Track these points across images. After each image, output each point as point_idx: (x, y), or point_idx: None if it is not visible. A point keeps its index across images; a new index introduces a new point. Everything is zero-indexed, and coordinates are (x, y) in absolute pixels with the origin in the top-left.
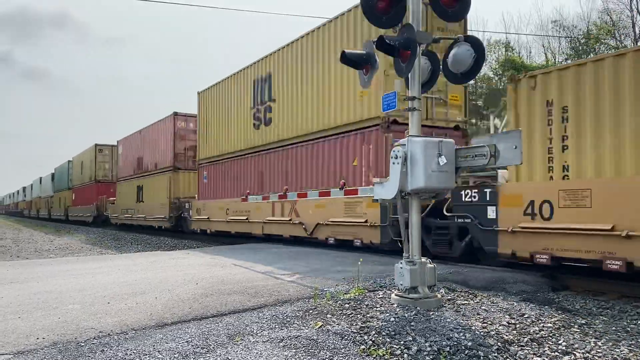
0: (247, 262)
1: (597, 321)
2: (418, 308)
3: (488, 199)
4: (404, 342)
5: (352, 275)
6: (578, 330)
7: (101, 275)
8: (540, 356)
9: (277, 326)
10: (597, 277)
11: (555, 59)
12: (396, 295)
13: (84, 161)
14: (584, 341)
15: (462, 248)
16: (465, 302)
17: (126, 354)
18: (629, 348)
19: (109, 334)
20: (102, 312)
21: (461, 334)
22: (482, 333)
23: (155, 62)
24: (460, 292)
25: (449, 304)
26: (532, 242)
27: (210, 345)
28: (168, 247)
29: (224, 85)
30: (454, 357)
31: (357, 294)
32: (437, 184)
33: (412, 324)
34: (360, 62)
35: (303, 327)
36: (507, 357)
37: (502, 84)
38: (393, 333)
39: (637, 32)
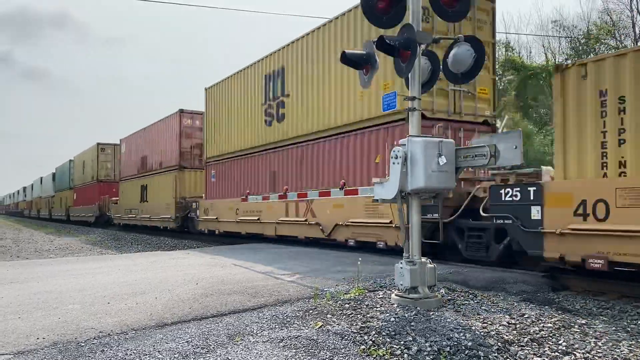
0: (247, 262)
1: (597, 321)
2: (418, 308)
3: (532, 198)
4: (404, 342)
5: (352, 275)
6: (578, 331)
7: (101, 275)
8: (540, 356)
9: (277, 326)
10: (598, 277)
11: (555, 59)
12: (396, 295)
13: (85, 160)
14: (584, 341)
15: (500, 251)
16: (466, 302)
17: (126, 354)
18: (629, 348)
19: (109, 334)
20: (102, 312)
21: (461, 334)
22: (482, 333)
23: (155, 62)
24: (461, 292)
25: (449, 304)
26: (585, 245)
27: (210, 345)
28: (168, 247)
29: (233, 80)
30: (454, 357)
31: (357, 294)
32: (437, 184)
33: (412, 324)
34: (360, 62)
35: (303, 327)
36: (507, 357)
37: (502, 84)
38: (393, 333)
39: (637, 32)
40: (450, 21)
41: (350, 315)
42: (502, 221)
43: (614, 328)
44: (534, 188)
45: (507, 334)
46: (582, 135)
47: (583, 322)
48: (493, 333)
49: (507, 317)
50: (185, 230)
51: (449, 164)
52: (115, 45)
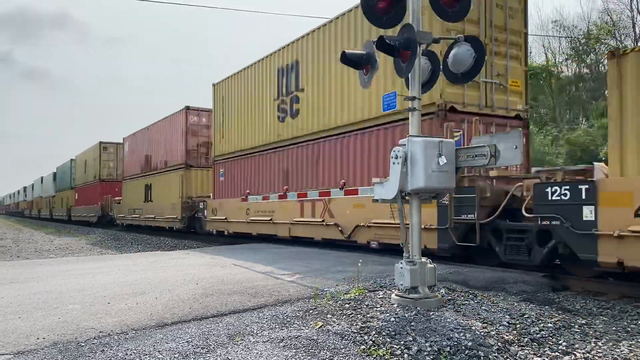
0: (247, 262)
1: (597, 321)
2: (418, 308)
3: (584, 197)
4: (404, 342)
5: (352, 275)
6: (578, 331)
7: (101, 275)
8: (540, 356)
9: (277, 326)
10: (597, 278)
11: (555, 59)
12: (396, 295)
13: (87, 160)
14: (584, 341)
15: (543, 255)
16: (466, 302)
17: (126, 354)
18: (629, 348)
19: (109, 334)
20: (102, 312)
21: (461, 334)
22: (482, 333)
23: (155, 62)
24: (461, 292)
25: (449, 304)
26: None
27: (211, 345)
28: (168, 247)
29: (243, 75)
30: (454, 357)
31: (357, 294)
32: (437, 184)
33: (413, 324)
34: (360, 62)
35: (303, 327)
36: (507, 357)
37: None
38: (393, 333)
39: (638, 32)
40: (450, 21)
41: (351, 315)
42: (547, 222)
43: (614, 328)
44: (586, 186)
45: (507, 334)
46: None
47: (583, 322)
48: (493, 333)
49: (507, 317)
50: (192, 231)
51: (449, 164)
52: (115, 45)
